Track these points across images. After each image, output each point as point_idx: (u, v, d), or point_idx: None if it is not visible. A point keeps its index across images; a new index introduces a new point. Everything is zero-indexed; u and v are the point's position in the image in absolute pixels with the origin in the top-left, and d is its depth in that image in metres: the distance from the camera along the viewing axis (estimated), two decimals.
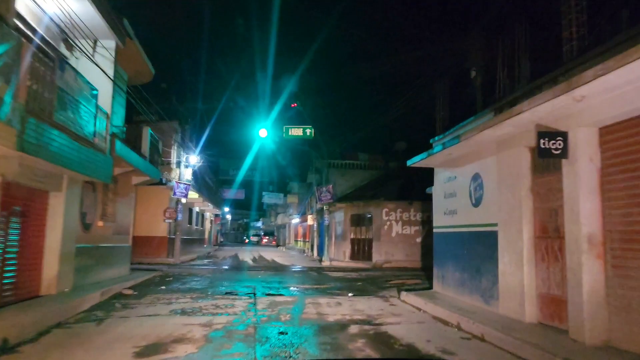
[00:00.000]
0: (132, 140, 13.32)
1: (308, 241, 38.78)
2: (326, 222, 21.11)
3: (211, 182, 35.94)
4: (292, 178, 49.66)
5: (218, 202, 42.13)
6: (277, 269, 19.59)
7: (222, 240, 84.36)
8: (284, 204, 60.08)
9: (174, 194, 21.82)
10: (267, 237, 56.18)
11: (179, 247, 22.04)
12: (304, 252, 35.99)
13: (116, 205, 12.61)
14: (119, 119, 12.29)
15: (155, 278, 13.71)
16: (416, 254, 18.36)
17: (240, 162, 33.78)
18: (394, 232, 18.64)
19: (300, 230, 44.23)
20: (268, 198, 56.10)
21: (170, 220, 22.54)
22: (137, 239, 21.33)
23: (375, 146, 38.60)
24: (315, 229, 27.93)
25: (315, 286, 12.51)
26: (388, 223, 18.96)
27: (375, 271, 17.64)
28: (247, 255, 31.69)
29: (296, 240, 46.75)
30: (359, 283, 13.56)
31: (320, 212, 26.79)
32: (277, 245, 49.02)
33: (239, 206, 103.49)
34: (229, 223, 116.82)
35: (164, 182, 22.30)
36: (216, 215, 51.08)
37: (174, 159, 22.99)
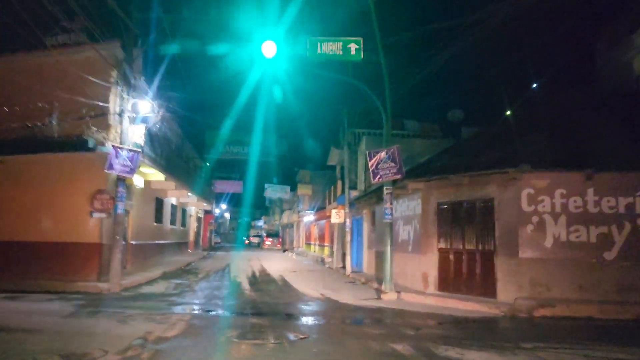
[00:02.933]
0: None
1: (327, 246, 28.93)
2: (388, 217, 11.13)
3: (192, 162, 26.13)
4: (303, 164, 39.86)
5: (208, 195, 32.26)
6: (300, 314, 9.77)
7: (218, 241, 74.58)
8: (290, 199, 50.32)
9: (109, 167, 12.04)
10: (270, 239, 46.43)
11: (119, 260, 12.20)
12: (322, 261, 26.12)
13: None
14: None
15: None
16: (607, 286, 8.47)
17: (238, 135, 24.07)
18: (551, 238, 8.68)
19: (315, 231, 34.46)
20: (272, 191, 46.27)
21: (103, 214, 12.74)
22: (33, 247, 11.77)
23: (420, 114, 28.55)
24: (347, 228, 18.06)
25: None
26: (535, 219, 8.97)
27: (517, 329, 7.90)
28: (243, 266, 21.90)
29: (308, 244, 36.91)
30: None
31: (361, 202, 16.96)
32: (284, 250, 39.08)
33: (238, 203, 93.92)
34: (228, 222, 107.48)
35: (91, 146, 12.54)
36: (207, 213, 41.27)
37: (114, 107, 13.18)
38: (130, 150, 12.84)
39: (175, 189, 21.50)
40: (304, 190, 35.12)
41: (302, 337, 6.81)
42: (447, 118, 23.12)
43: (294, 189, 48.09)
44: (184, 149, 24.35)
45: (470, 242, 10.17)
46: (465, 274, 10.19)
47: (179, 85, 17.47)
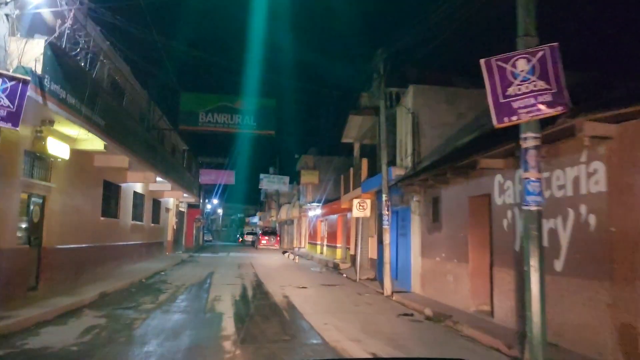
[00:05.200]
0: None
1: (340, 247, 22.93)
2: (532, 201, 5.08)
3: (166, 140, 19.95)
4: (305, 149, 33.74)
5: (189, 185, 26.13)
6: None
7: (209, 239, 68.48)
8: (290, 192, 44.24)
9: None
10: (266, 237, 40.27)
11: None
12: (334, 267, 20.12)
13: None
14: None
15: None
16: None
17: (226, 100, 17.64)
18: None
19: (322, 228, 28.39)
20: (268, 182, 40.26)
21: None
22: None
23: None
24: (385, 223, 11.93)
25: None
26: None
27: None
28: (231, 276, 15.85)
29: (313, 244, 30.83)
30: None
31: (410, 184, 10.87)
32: (284, 251, 32.97)
33: (231, 198, 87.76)
34: (220, 219, 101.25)
35: None
36: (192, 207, 35.16)
37: None
38: (10, 79, 6.86)
39: (136, 171, 15.38)
40: (308, 177, 28.97)
41: None
42: None
43: (293, 181, 42.07)
44: (150, 116, 18.24)
45: None
46: None
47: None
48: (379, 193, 15.41)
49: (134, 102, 17.17)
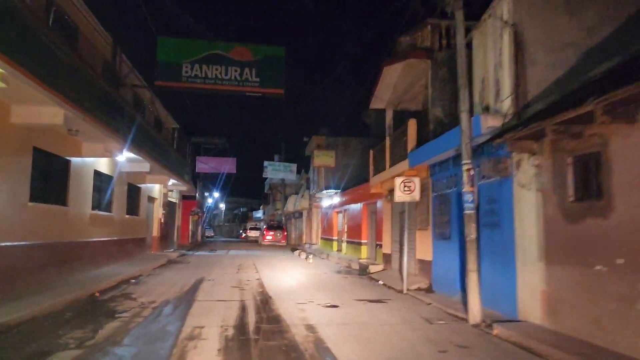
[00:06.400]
0: None
1: (366, 243, 18.40)
2: None
3: (139, 101, 15.26)
4: (317, 127, 29.02)
5: (178, 168, 21.64)
6: None
7: (211, 235, 64.15)
8: (297, 182, 39.78)
9: None
10: (272, 232, 35.76)
11: None
12: (362, 269, 15.64)
13: None
14: None
15: None
16: None
17: (218, 47, 12.76)
18: None
19: (339, 220, 23.76)
20: (273, 171, 35.76)
21: None
22: None
23: None
24: (468, 207, 7.29)
25: None
26: None
27: None
28: (226, 286, 11.29)
29: (328, 239, 26.22)
30: None
31: (522, 137, 6.23)
32: (293, 249, 28.34)
33: (233, 192, 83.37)
34: (222, 214, 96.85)
35: None
36: (187, 198, 30.70)
37: None
38: None
39: (89, 138, 10.91)
40: (323, 158, 24.23)
41: None
42: None
43: (300, 170, 37.56)
44: (116, 69, 13.70)
45: None
46: None
47: None
48: (434, 167, 10.83)
49: (95, 48, 12.60)
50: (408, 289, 10.80)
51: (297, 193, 39.08)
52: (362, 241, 18.51)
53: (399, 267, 13.44)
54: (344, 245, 22.51)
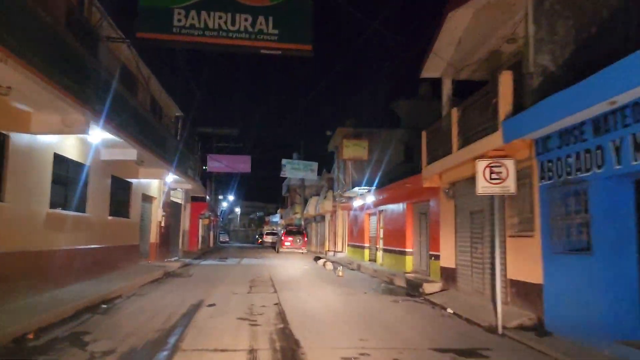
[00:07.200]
0: None
1: (411, 252, 14.66)
2: None
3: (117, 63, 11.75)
4: (342, 120, 25.30)
5: (181, 162, 18.26)
6: None
7: (225, 240, 60.91)
8: (318, 183, 36.28)
9: None
10: (290, 238, 32.16)
11: None
12: (408, 285, 11.94)
13: None
14: None
15: None
16: None
17: None
18: None
19: (372, 224, 19.95)
20: (291, 170, 32.23)
21: None
22: None
23: None
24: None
25: None
26: None
27: None
28: (225, 325, 7.64)
29: (357, 246, 22.47)
30: None
31: None
32: (317, 257, 24.59)
33: (249, 196, 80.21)
34: (238, 218, 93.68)
35: None
36: (197, 200, 27.35)
37: None
38: None
39: (37, 106, 7.51)
40: (354, 150, 20.46)
41: None
42: None
43: (321, 170, 34.04)
44: (83, 15, 10.32)
45: None
46: None
47: None
48: (546, 141, 7.09)
49: None
50: (504, 327, 7.07)
51: (318, 195, 35.49)
52: (407, 250, 14.76)
53: (476, 288, 9.68)
54: (379, 254, 18.74)
